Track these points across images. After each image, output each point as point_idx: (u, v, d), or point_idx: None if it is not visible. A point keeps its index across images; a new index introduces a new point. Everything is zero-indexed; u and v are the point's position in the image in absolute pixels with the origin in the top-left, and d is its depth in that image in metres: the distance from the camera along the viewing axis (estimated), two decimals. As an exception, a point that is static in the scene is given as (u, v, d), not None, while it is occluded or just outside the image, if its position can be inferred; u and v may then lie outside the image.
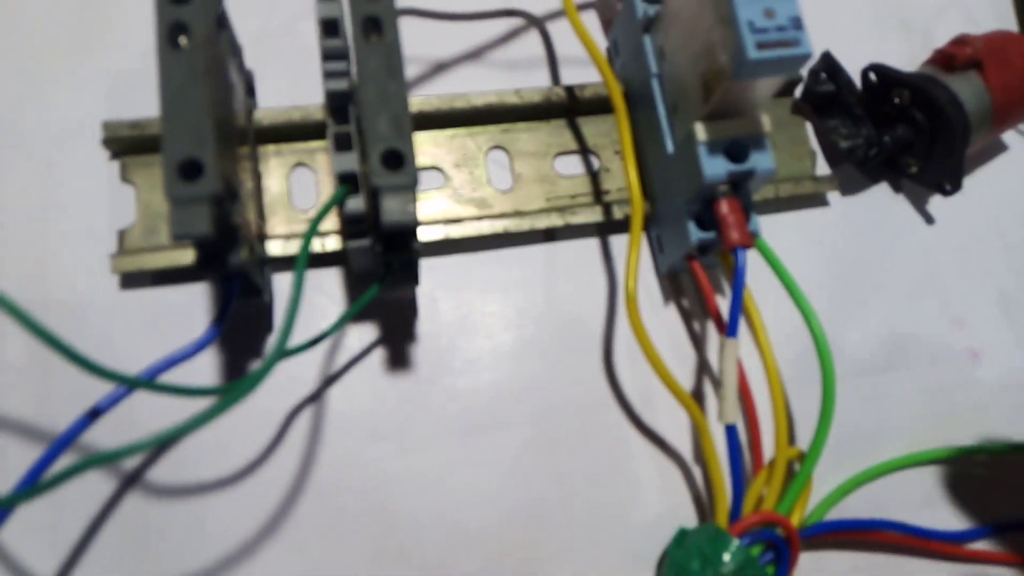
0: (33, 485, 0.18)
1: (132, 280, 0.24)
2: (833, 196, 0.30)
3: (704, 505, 0.25)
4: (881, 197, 0.30)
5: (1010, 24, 0.34)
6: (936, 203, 0.30)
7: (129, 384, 0.18)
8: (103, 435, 0.22)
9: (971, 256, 0.30)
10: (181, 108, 0.18)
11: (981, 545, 0.26)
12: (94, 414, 0.19)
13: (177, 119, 0.18)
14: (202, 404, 0.23)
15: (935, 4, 0.33)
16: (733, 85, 0.20)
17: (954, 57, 0.28)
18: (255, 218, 0.23)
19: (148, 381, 0.19)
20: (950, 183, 0.28)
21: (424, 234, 0.25)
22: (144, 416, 0.22)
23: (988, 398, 0.28)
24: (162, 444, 0.17)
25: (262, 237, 0.24)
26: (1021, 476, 0.27)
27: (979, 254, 0.30)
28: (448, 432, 0.24)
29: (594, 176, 0.28)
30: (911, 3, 0.33)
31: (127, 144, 0.24)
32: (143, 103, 0.24)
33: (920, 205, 0.30)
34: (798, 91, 0.30)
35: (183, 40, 0.18)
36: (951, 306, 0.29)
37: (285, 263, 0.24)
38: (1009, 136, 0.32)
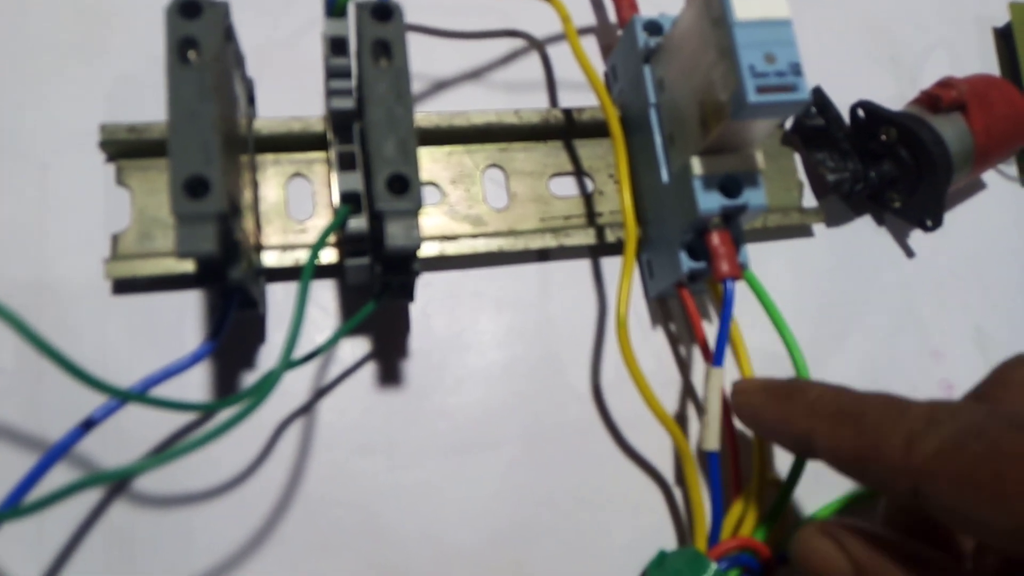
0: (19, 505, 0.18)
1: (124, 286, 0.24)
2: (818, 227, 0.30)
3: (684, 528, 0.25)
4: (864, 230, 0.31)
5: (992, 65, 0.35)
6: (917, 237, 0.31)
7: (122, 397, 0.18)
8: (92, 444, 0.22)
9: (949, 291, 0.31)
10: (189, 124, 0.18)
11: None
12: (87, 425, 0.19)
13: (185, 135, 0.18)
14: (191, 417, 0.23)
15: (923, 43, 0.34)
16: (731, 124, 0.21)
17: (940, 99, 0.28)
18: (252, 228, 0.23)
19: (141, 394, 0.19)
20: (931, 219, 0.29)
21: (420, 250, 0.25)
22: (134, 425, 0.22)
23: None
24: (169, 460, 0.17)
25: (258, 247, 0.24)
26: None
27: (957, 289, 0.31)
28: (437, 449, 0.24)
29: (588, 198, 0.28)
30: (900, 42, 0.34)
31: (124, 147, 0.24)
32: (142, 108, 0.24)
33: (902, 239, 0.31)
34: (788, 123, 0.30)
35: (192, 55, 0.19)
36: (929, 339, 0.30)
37: (279, 274, 0.25)
38: (988, 175, 0.33)
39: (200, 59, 0.18)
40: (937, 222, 0.29)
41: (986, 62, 0.35)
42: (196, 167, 0.17)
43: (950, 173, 0.28)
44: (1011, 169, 0.34)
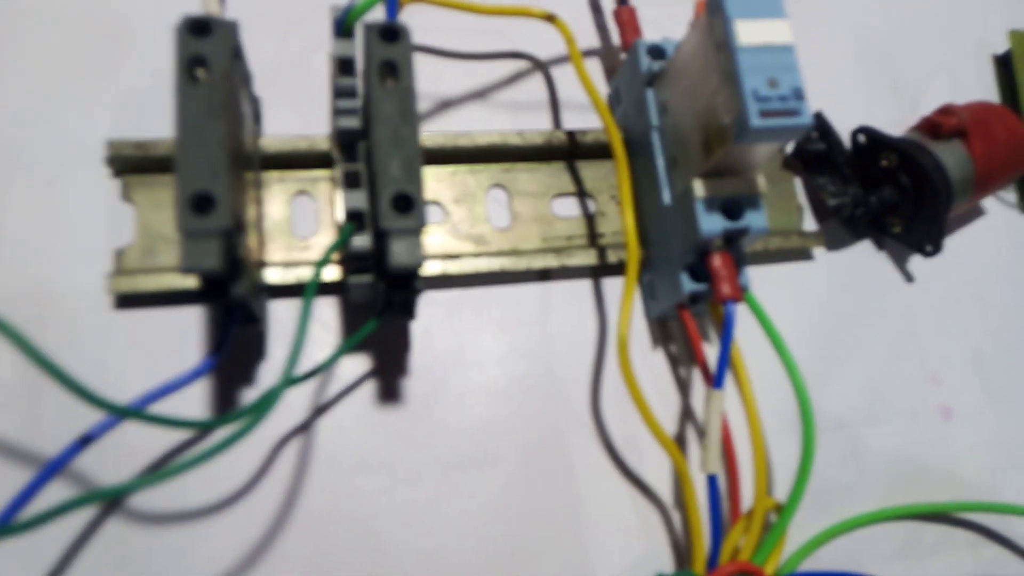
0: (14, 521, 0.18)
1: (127, 301, 0.24)
2: (818, 251, 0.30)
3: (682, 551, 0.25)
4: (864, 254, 0.31)
5: (992, 92, 0.35)
6: (916, 262, 0.31)
7: (120, 413, 0.18)
8: (90, 460, 0.22)
9: (948, 316, 0.31)
10: (197, 141, 0.18)
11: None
12: (85, 441, 0.19)
13: (192, 152, 0.18)
14: (190, 433, 0.23)
15: (924, 69, 0.34)
16: (734, 147, 0.21)
17: (940, 126, 0.29)
18: (256, 245, 0.23)
19: (139, 411, 0.19)
20: (931, 244, 0.29)
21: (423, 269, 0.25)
22: (132, 441, 0.22)
23: (959, 456, 0.29)
24: (167, 478, 0.17)
25: (261, 264, 0.24)
26: (987, 534, 0.28)
27: (956, 314, 0.31)
28: (437, 466, 0.24)
29: (590, 219, 0.28)
30: (901, 68, 0.34)
31: (130, 163, 0.24)
32: (149, 124, 0.24)
33: (901, 263, 0.31)
34: (789, 147, 0.30)
35: (201, 73, 0.19)
36: (928, 364, 0.30)
37: (282, 291, 0.25)
38: (988, 202, 0.33)
39: (209, 77, 0.19)
40: (937, 247, 0.29)
41: (986, 89, 0.35)
42: (202, 184, 0.18)
43: (950, 199, 0.28)
44: (1010, 196, 0.34)
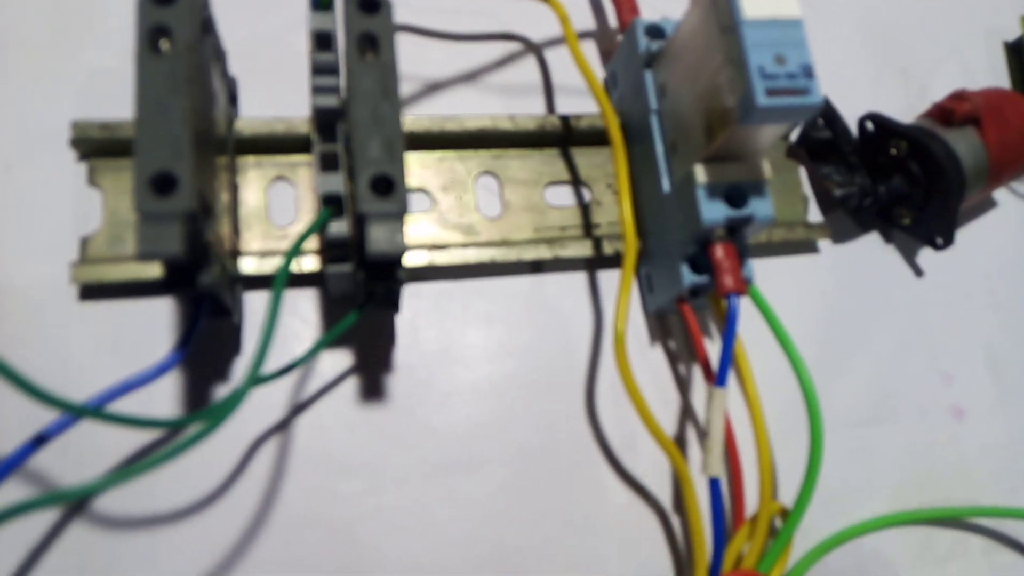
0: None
1: (92, 291, 0.22)
2: (823, 243, 0.29)
3: (683, 558, 0.24)
4: (872, 247, 0.30)
5: (1003, 79, 0.34)
6: (926, 256, 0.30)
7: (76, 413, 0.17)
8: (49, 459, 0.20)
9: (959, 311, 0.30)
10: (158, 117, 0.17)
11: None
12: (39, 440, 0.17)
13: (153, 129, 0.16)
14: (159, 432, 0.21)
15: (933, 55, 0.33)
16: (738, 130, 0.20)
17: (953, 112, 0.27)
18: (229, 233, 0.22)
19: (96, 410, 0.17)
20: (942, 237, 0.28)
21: (407, 259, 0.24)
22: (95, 440, 0.21)
23: (971, 458, 0.28)
24: (129, 478, 0.16)
25: (235, 253, 0.23)
26: (1001, 540, 0.27)
27: (967, 310, 0.30)
28: (422, 469, 0.23)
29: (585, 208, 0.27)
30: (910, 53, 0.33)
31: (97, 146, 0.23)
32: (117, 104, 0.23)
33: (910, 257, 0.30)
34: (794, 135, 0.29)
35: (165, 44, 0.17)
36: (938, 361, 0.29)
37: (258, 282, 0.23)
38: (999, 193, 0.32)
39: (172, 49, 0.17)
40: (948, 240, 0.28)
41: (996, 76, 0.34)
42: (163, 163, 0.16)
43: (963, 189, 0.27)
44: (1023, 187, 0.32)
